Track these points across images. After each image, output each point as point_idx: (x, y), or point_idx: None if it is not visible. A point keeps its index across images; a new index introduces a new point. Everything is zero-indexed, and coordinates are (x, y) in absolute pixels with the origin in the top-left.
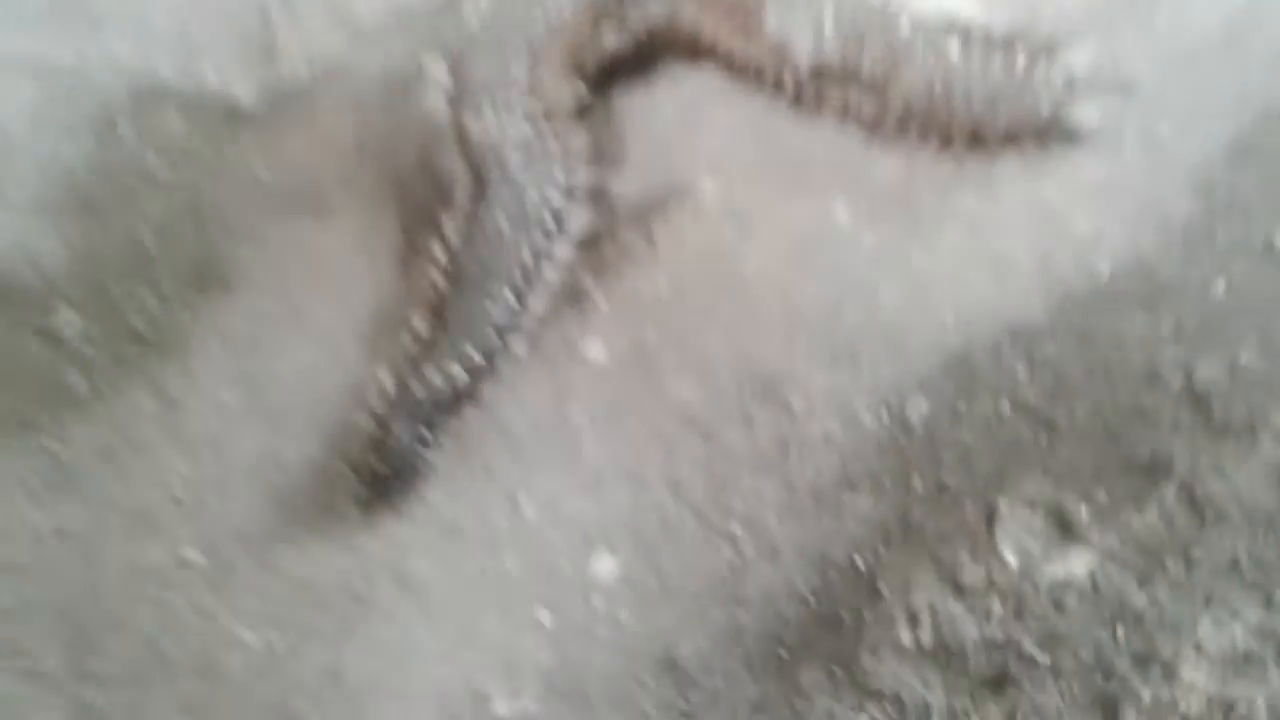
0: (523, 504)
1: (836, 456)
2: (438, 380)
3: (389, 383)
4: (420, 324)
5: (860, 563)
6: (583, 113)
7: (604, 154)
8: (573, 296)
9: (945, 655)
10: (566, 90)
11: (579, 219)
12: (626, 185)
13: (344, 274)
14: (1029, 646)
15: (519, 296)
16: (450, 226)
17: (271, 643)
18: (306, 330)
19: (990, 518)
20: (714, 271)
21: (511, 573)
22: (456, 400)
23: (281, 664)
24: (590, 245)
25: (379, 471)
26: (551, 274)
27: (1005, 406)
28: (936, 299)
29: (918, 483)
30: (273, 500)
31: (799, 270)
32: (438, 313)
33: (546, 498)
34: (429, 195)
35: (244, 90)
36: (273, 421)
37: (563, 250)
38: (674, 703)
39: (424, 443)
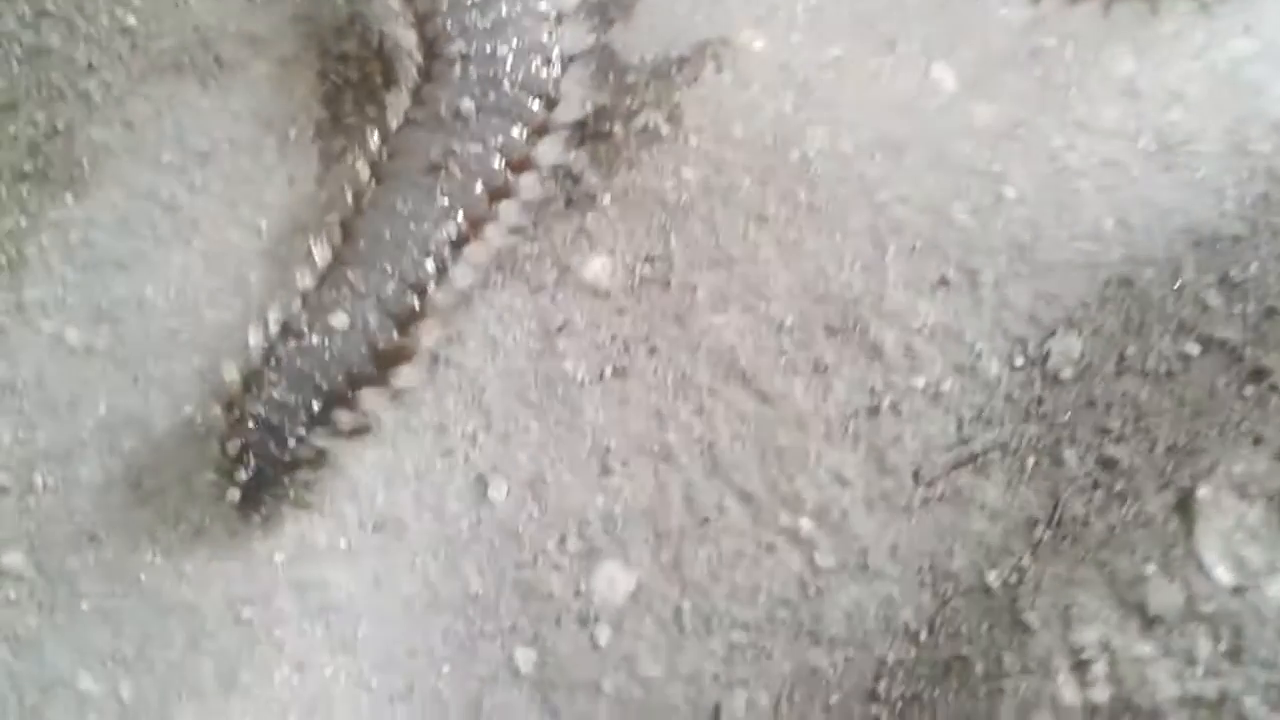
0: (494, 489)
1: (951, 419)
2: (336, 339)
3: (265, 347)
4: (327, 246)
5: (993, 578)
6: None
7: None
8: (569, 199)
9: None
10: None
11: (575, 94)
12: (640, 43)
13: (236, 162)
14: (1253, 707)
15: (475, 205)
16: (391, 104)
17: (119, 692)
18: (183, 243)
19: (1186, 511)
20: (764, 159)
21: (475, 590)
22: (368, 364)
23: None
24: (592, 127)
25: (246, 474)
26: (532, 177)
27: (1192, 347)
28: (1086, 195)
29: (1072, 459)
30: (129, 486)
31: (887, 156)
32: (353, 232)
33: (527, 480)
34: (360, 53)
35: None
36: (132, 371)
37: (549, 144)
38: None
39: (305, 432)
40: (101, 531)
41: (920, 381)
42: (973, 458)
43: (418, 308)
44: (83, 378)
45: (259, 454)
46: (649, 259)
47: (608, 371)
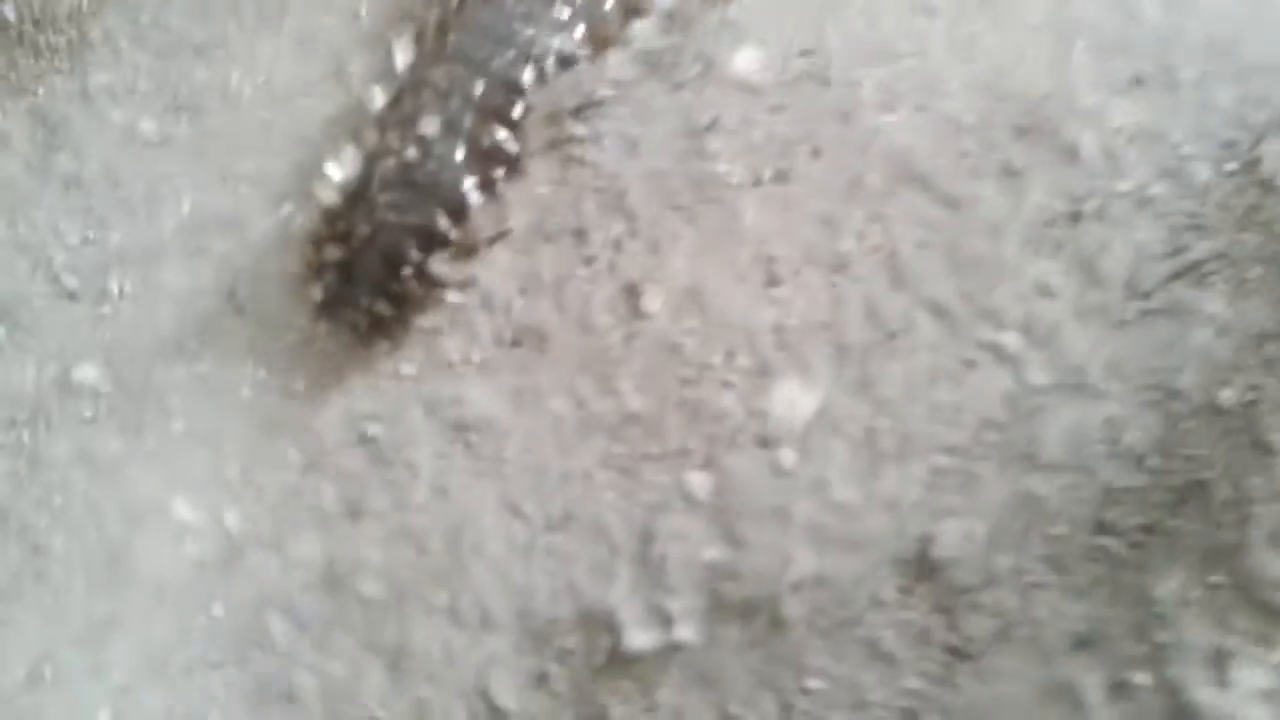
0: (647, 299)
1: (1163, 227)
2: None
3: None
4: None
5: (1226, 397)
6: None
7: None
8: None
9: None
10: None
11: None
12: None
13: None
14: None
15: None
16: None
17: (223, 521)
18: (270, 29)
19: None
20: None
21: (634, 409)
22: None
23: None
24: None
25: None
26: None
27: None
28: None
29: None
30: (222, 294)
31: None
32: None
33: (684, 290)
34: None
35: None
36: (219, 166)
37: None
38: (927, 624)
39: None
40: (192, 343)
41: (1125, 186)
42: (1191, 267)
43: (516, 112)
44: (161, 172)
45: (365, 282)
46: (804, 53)
47: (766, 174)
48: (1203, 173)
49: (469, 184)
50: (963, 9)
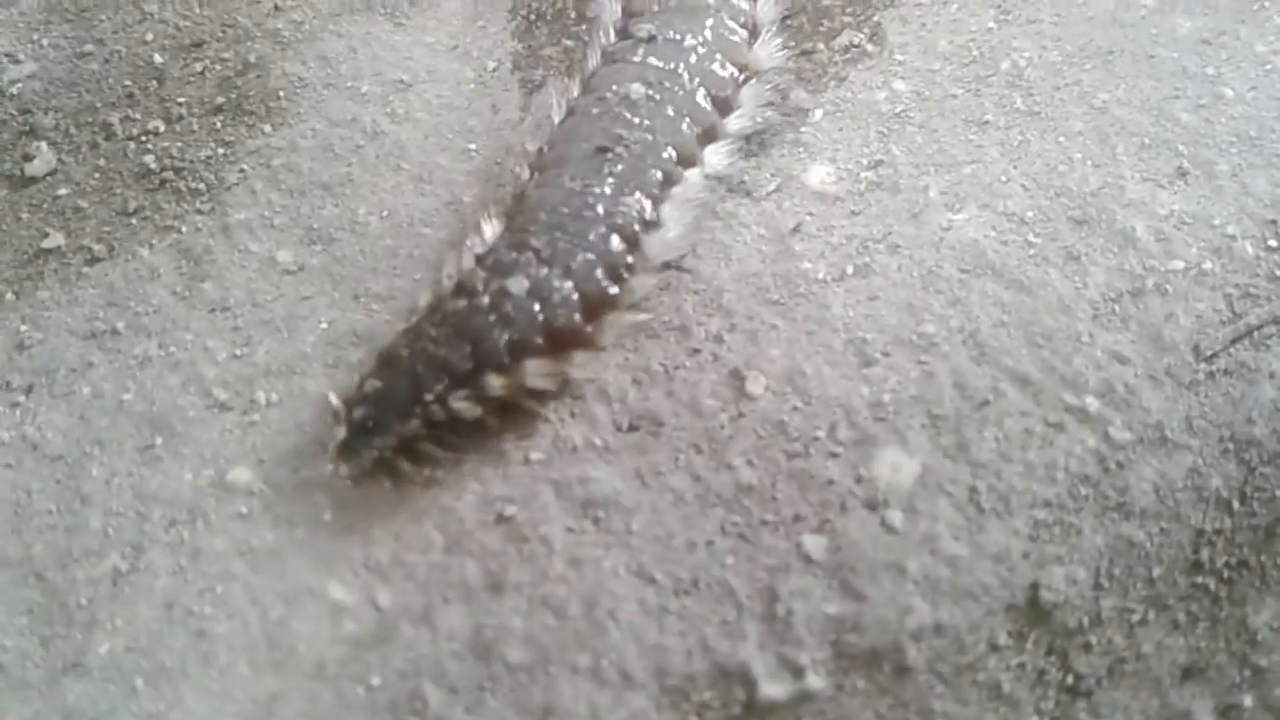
0: (751, 384)
1: (1219, 297)
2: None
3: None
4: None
5: None
6: None
7: None
8: (785, 114)
9: None
10: None
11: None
12: None
13: (437, 91)
14: None
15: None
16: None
17: (376, 600)
18: (390, 167)
19: None
20: (974, 70)
21: (748, 481)
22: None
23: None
24: (797, 48)
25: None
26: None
27: None
28: None
29: None
30: None
31: (1098, 64)
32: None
33: (784, 374)
34: None
35: None
36: (352, 288)
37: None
38: (1042, 665)
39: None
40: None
41: (1179, 264)
42: (1250, 331)
43: (609, 290)
44: (299, 295)
45: (378, 413)
46: (872, 165)
47: (849, 270)
48: (1249, 249)
49: (524, 347)
50: (1012, 120)
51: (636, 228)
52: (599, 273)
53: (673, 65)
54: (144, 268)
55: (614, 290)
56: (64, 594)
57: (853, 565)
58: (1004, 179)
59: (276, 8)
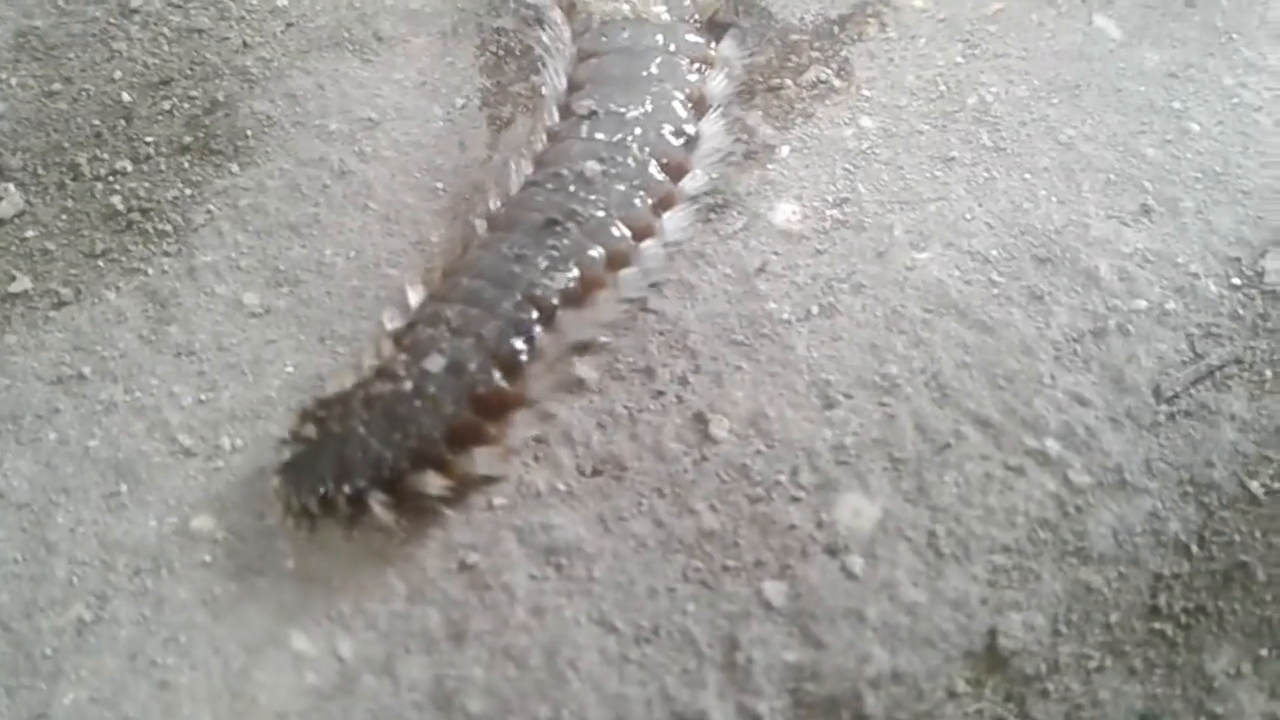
0: (715, 427)
1: (1181, 337)
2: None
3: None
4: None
5: (1257, 487)
6: None
7: None
8: (747, 151)
9: None
10: None
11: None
12: (797, 4)
13: (405, 129)
14: None
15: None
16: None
17: (337, 650)
18: (358, 207)
19: None
20: (941, 105)
21: (710, 527)
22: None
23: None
24: (764, 85)
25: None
26: (656, 246)
27: None
28: (1266, 127)
29: None
30: None
31: (1064, 99)
32: (457, 271)
33: (747, 417)
34: (518, 25)
35: None
36: (318, 331)
37: (676, 216)
38: (1000, 712)
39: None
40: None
41: (1142, 304)
42: (1211, 372)
43: (524, 353)
44: (265, 338)
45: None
46: (838, 203)
47: (814, 310)
48: (1212, 287)
49: (447, 432)
50: (978, 156)
51: (555, 301)
52: (511, 339)
53: (620, 138)
54: (111, 311)
55: (525, 355)
56: (29, 644)
57: (813, 612)
58: (969, 216)
59: (245, 44)
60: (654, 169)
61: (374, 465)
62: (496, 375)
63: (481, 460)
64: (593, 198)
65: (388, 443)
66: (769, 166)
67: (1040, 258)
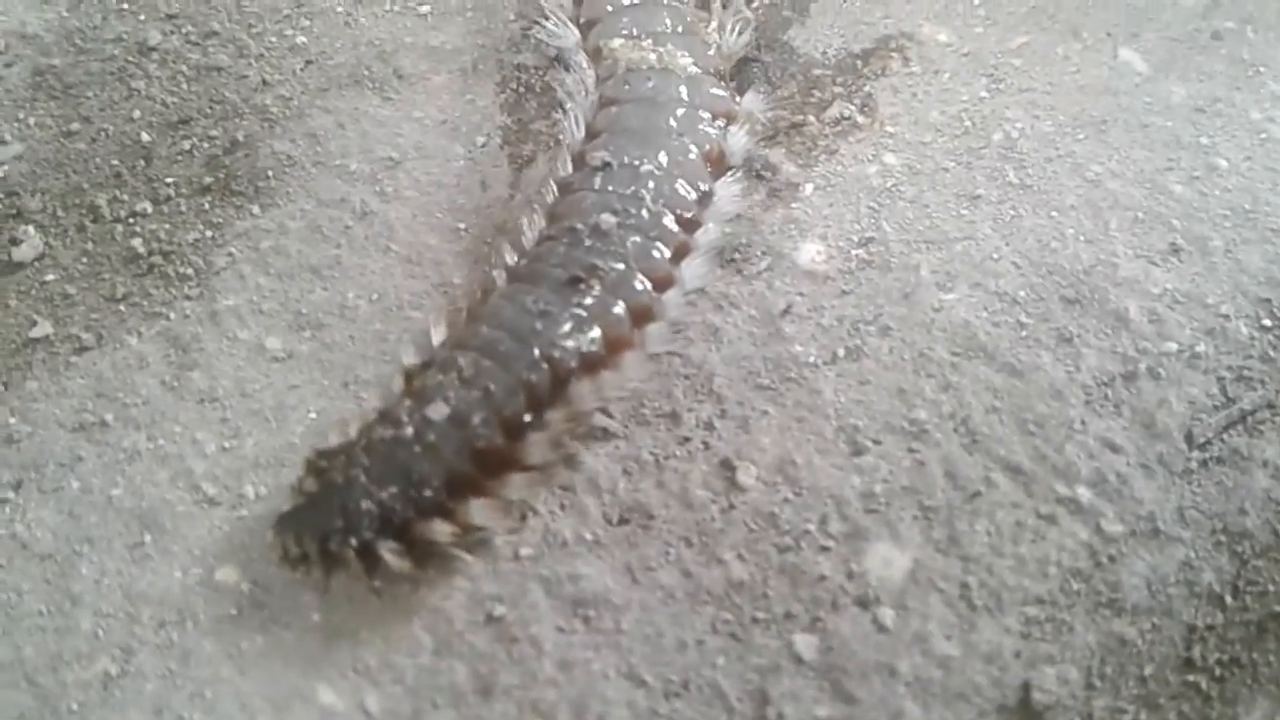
0: (742, 474)
1: (1213, 381)
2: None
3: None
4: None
5: None
6: None
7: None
8: (770, 189)
9: None
10: None
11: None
12: (820, 40)
13: (426, 169)
14: None
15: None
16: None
17: (365, 705)
18: (380, 249)
19: None
20: (966, 141)
21: (739, 578)
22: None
23: None
24: (788, 121)
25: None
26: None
27: None
28: None
29: None
30: None
31: (1091, 134)
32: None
33: (774, 464)
34: (539, 62)
35: None
36: (341, 375)
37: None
38: None
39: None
40: None
41: (1172, 346)
42: (1243, 417)
43: (529, 415)
44: (288, 384)
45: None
46: (863, 242)
47: (840, 353)
48: (1242, 329)
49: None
50: (1004, 194)
51: (574, 364)
52: (519, 399)
53: (633, 190)
54: (132, 356)
55: (529, 418)
56: (55, 698)
57: (844, 666)
58: (996, 256)
59: (264, 82)
60: (669, 220)
61: (372, 513)
62: (498, 433)
63: (478, 512)
64: (611, 249)
65: (386, 490)
66: (793, 205)
67: (1069, 299)
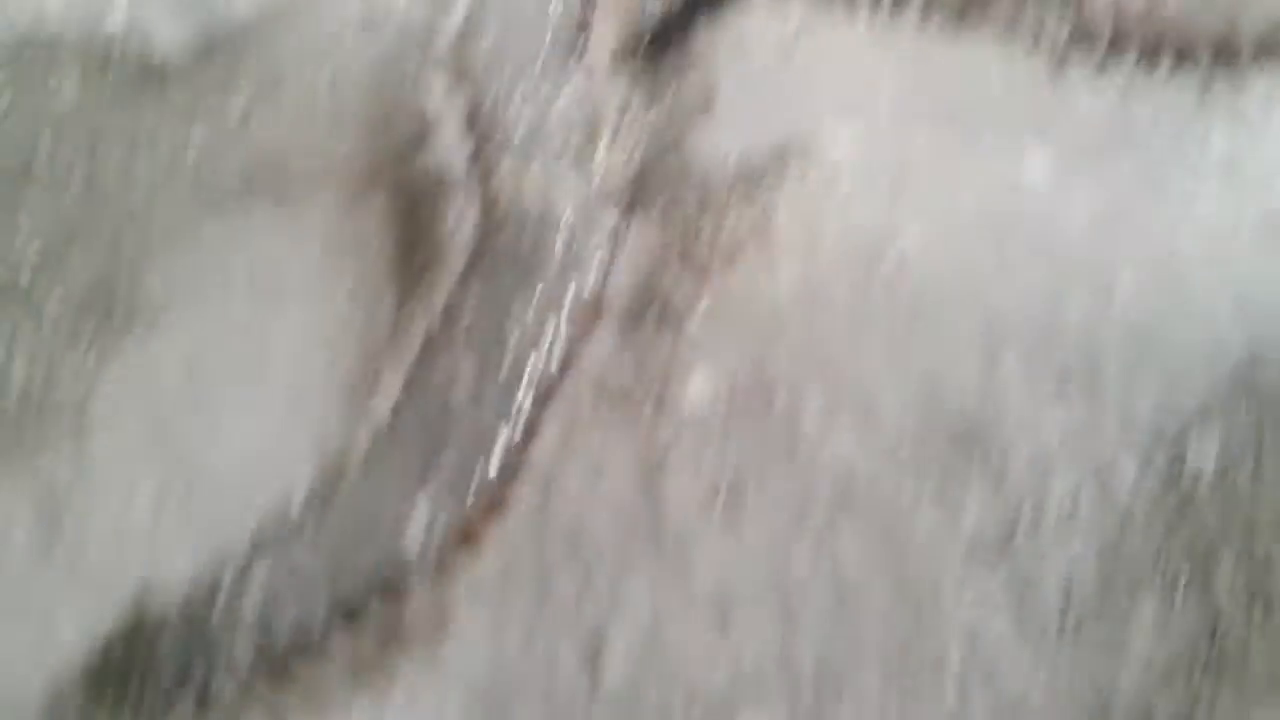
0: (609, 650)
1: (1094, 538)
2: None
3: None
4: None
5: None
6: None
7: (686, 105)
8: (660, 311)
9: None
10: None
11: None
12: (722, 143)
13: (307, 294)
14: None
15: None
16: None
17: None
18: (255, 379)
19: None
20: (860, 259)
21: None
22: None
23: None
24: (680, 233)
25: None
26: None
27: None
28: (1201, 283)
29: (1227, 569)
30: None
31: (987, 251)
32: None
33: (645, 637)
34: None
35: (168, 36)
36: (213, 529)
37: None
38: None
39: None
40: None
41: (1058, 494)
42: (1125, 581)
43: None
44: (160, 541)
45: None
46: (750, 374)
47: (715, 499)
48: (1130, 471)
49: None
50: (895, 322)
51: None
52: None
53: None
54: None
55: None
56: None
57: None
58: (883, 391)
59: (148, 203)
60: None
61: None
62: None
63: None
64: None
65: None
66: (680, 333)
67: (955, 436)
